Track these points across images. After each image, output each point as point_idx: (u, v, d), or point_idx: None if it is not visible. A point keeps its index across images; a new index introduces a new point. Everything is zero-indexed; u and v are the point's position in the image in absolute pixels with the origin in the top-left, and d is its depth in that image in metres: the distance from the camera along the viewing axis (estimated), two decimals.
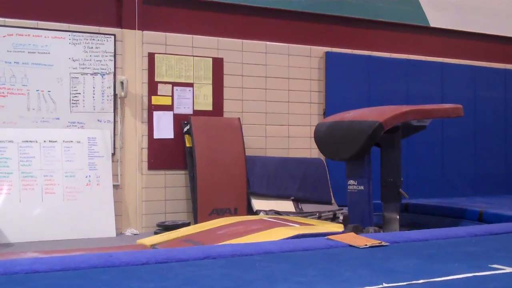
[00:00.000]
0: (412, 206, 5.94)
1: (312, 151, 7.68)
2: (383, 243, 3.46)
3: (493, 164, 9.01)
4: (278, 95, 7.69)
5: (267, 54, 7.66)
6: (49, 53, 6.59)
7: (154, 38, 7.04)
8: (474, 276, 2.67)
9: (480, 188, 8.64)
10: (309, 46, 7.90)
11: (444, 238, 3.86)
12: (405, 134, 5.46)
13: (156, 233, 6.20)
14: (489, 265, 2.89)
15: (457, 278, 2.62)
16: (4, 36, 6.41)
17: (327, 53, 7.90)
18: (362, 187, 4.94)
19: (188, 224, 6.46)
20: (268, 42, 7.66)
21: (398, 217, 5.09)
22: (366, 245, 3.41)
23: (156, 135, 6.97)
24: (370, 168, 4.99)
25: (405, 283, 2.50)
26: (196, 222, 6.56)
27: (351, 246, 3.43)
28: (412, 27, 8.60)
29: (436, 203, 5.97)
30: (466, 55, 9.07)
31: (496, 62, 9.38)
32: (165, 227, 6.42)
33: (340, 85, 7.91)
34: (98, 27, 6.82)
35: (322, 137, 5.37)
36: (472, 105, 8.75)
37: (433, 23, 8.71)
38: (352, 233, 3.88)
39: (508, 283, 2.57)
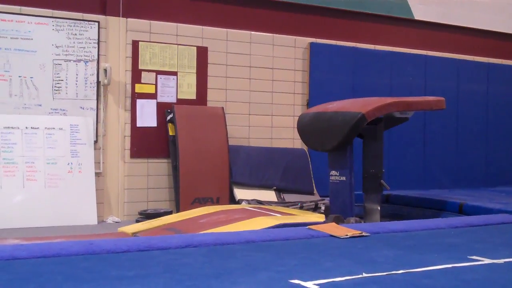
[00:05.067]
0: (393, 198, 5.99)
1: (295, 142, 7.70)
2: (364, 234, 3.49)
3: (474, 157, 9.09)
4: (262, 85, 7.69)
5: (252, 44, 7.65)
6: (32, 39, 6.52)
7: (138, 26, 6.99)
8: (453, 267, 2.70)
9: (461, 180, 8.71)
10: (294, 37, 7.89)
11: (424, 230, 3.90)
12: (387, 125, 5.49)
13: (137, 221, 6.19)
14: (468, 257, 2.92)
15: (436, 269, 2.65)
16: None
17: (311, 43, 7.91)
18: (344, 178, 4.97)
19: (170, 213, 6.46)
20: (252, 32, 7.65)
21: (379, 208, 5.13)
22: (347, 235, 3.43)
23: (139, 123, 6.95)
24: (352, 159, 5.01)
25: (385, 273, 2.52)
26: (178, 210, 6.57)
27: (332, 236, 3.46)
28: (396, 20, 8.62)
29: (417, 194, 6.02)
30: (449, 48, 9.12)
31: (479, 56, 9.44)
32: (147, 216, 6.41)
33: (324, 76, 7.93)
34: (82, 14, 6.76)
35: (305, 128, 5.39)
36: (455, 98, 8.81)
37: (417, 16, 8.74)
38: (333, 223, 3.90)
39: (486, 274, 2.61)
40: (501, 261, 2.85)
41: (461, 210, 5.25)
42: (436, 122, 8.56)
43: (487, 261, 2.85)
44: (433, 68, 8.78)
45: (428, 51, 8.86)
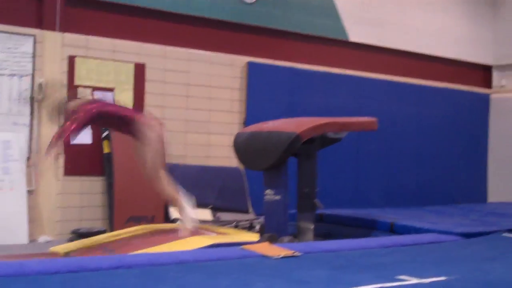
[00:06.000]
0: (327, 216, 6.07)
1: (231, 160, 7.71)
2: (296, 253, 3.54)
3: (405, 177, 9.33)
4: (199, 103, 7.71)
5: (190, 62, 7.67)
6: None
7: (75, 41, 6.91)
8: (380, 286, 2.77)
9: (393, 199, 8.92)
10: (232, 55, 7.96)
11: (356, 249, 3.98)
12: (322, 145, 5.58)
13: (70, 240, 6.08)
14: (395, 276, 3.00)
15: None
16: None
17: (249, 63, 7.99)
18: (278, 197, 5.02)
19: (103, 232, 6.36)
20: (191, 50, 7.67)
21: (312, 227, 5.19)
22: (279, 255, 3.47)
23: (73, 140, 6.83)
24: (287, 178, 5.08)
25: None
26: (112, 229, 6.48)
27: (265, 256, 3.49)
28: (332, 41, 8.81)
29: (350, 213, 6.12)
30: (384, 70, 9.38)
31: (412, 77, 9.75)
32: (80, 235, 6.30)
33: (261, 95, 8.01)
34: (17, 27, 6.63)
35: (241, 147, 5.43)
36: (388, 119, 9.02)
37: (352, 38, 8.96)
38: (267, 243, 3.94)
39: None
40: (427, 280, 2.94)
41: (392, 229, 5.37)
42: (370, 141, 8.75)
43: (414, 280, 2.93)
44: (367, 89, 9.00)
45: (362, 72, 9.08)
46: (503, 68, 10.70)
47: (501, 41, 10.69)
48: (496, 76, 10.79)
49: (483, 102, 10.60)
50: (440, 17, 10.09)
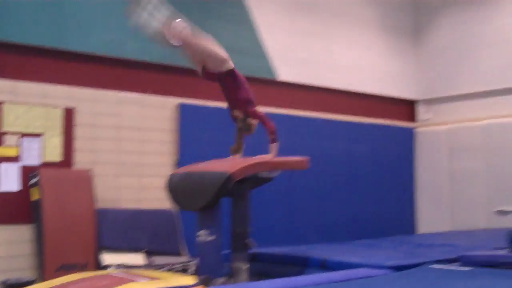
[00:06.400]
0: (260, 255, 6.11)
1: (164, 202, 7.68)
2: None
3: (338, 211, 9.48)
4: (131, 145, 7.66)
5: (121, 104, 7.64)
6: None
7: (3, 87, 6.78)
8: None
9: (327, 234, 9.04)
10: (163, 97, 7.98)
11: None
12: (254, 185, 5.66)
13: None
14: None
15: None
16: None
17: (180, 104, 8.02)
18: (212, 238, 5.05)
19: (33, 282, 6.17)
20: (122, 93, 7.65)
21: (247, 267, 5.23)
22: None
23: (0, 188, 6.67)
24: (220, 218, 5.11)
25: None
26: (42, 279, 6.30)
27: None
28: (261, 81, 8.96)
29: (283, 251, 6.19)
30: (313, 107, 9.59)
31: (341, 114, 10.00)
32: (8, 285, 6.10)
33: (194, 136, 8.04)
34: None
35: (174, 188, 5.45)
36: (320, 155, 9.19)
37: (281, 77, 9.14)
38: (202, 286, 3.94)
39: None
40: None
41: (324, 265, 5.46)
42: (303, 178, 8.86)
43: None
44: (298, 127, 9.15)
45: (293, 111, 9.25)
46: (427, 102, 11.12)
47: (424, 77, 11.13)
48: (420, 110, 11.20)
49: (409, 136, 10.96)
50: (366, 55, 10.44)
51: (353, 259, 5.52)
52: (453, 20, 10.74)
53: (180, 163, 7.69)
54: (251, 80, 8.79)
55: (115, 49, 7.57)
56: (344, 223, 9.56)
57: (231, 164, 5.31)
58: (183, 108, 8.03)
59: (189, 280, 4.89)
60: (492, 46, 10.18)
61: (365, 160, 10.12)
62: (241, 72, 8.59)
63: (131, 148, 7.66)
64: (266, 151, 5.74)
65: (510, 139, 9.75)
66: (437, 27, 11.00)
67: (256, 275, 5.56)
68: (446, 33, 10.86)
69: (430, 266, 5.24)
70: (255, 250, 5.86)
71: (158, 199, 7.66)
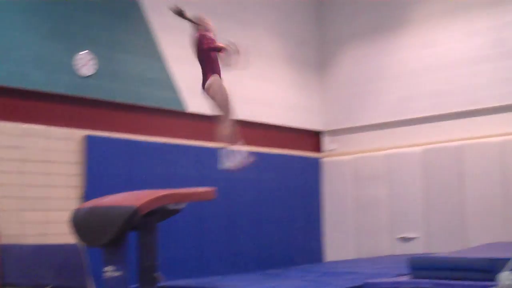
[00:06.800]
0: None
1: (71, 237, 7.50)
2: None
3: (247, 241, 9.56)
4: (35, 179, 7.45)
5: (24, 137, 7.44)
6: None
7: None
8: None
9: (237, 264, 9.09)
10: (69, 129, 7.83)
11: None
12: (161, 217, 5.65)
13: None
14: None
15: None
16: None
17: (87, 136, 7.90)
18: (118, 273, 4.99)
19: None
20: (25, 125, 7.46)
21: None
22: None
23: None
24: (126, 253, 5.06)
25: None
26: None
27: None
28: (170, 112, 8.98)
29: (192, 283, 6.19)
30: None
31: (250, 145, 10.06)
32: None
33: (101, 169, 7.92)
34: None
35: (79, 223, 5.36)
36: (229, 186, 9.27)
37: (190, 109, 9.19)
38: None
39: None
40: None
41: None
42: (212, 208, 8.87)
43: None
44: (206, 158, 9.19)
45: (201, 142, 9.29)
46: (332, 133, 11.48)
47: (329, 108, 11.50)
48: (326, 140, 11.54)
49: (315, 166, 11.24)
50: (273, 88, 10.68)
51: None
52: (356, 53, 11.19)
53: (87, 196, 7.54)
54: (160, 111, 8.85)
55: (20, 80, 7.40)
56: (254, 253, 9.64)
57: (137, 197, 5.28)
58: (89, 140, 7.90)
59: None
60: (393, 78, 10.68)
61: (273, 190, 10.28)
62: (149, 104, 8.65)
63: (36, 181, 7.46)
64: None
65: (410, 167, 10.19)
66: (341, 61, 11.42)
67: None
68: (349, 66, 11.29)
69: None
70: (165, 283, 5.83)
71: (65, 233, 7.43)
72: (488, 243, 7.96)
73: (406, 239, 10.04)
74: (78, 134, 7.90)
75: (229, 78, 9.87)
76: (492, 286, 4.70)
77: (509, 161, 9.17)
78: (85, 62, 7.94)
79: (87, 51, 7.97)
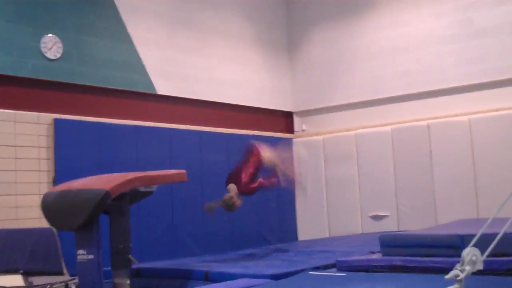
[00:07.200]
0: (143, 271, 6.09)
1: (42, 221, 7.43)
2: None
3: (220, 221, 9.56)
4: (4, 163, 7.35)
5: None
6: None
7: None
8: None
9: (210, 246, 9.12)
10: (37, 113, 7.73)
11: None
12: (133, 200, 5.64)
13: None
14: None
15: None
16: None
17: (56, 119, 7.81)
18: (91, 256, 4.97)
19: None
20: None
21: (128, 282, 5.19)
22: None
23: None
24: (99, 236, 5.05)
25: None
26: None
27: None
28: (140, 94, 8.93)
29: (166, 265, 6.20)
30: (192, 121, 9.66)
31: (221, 127, 10.14)
32: None
33: (71, 152, 7.84)
34: None
35: (49, 207, 5.32)
36: (199, 168, 9.28)
37: (160, 91, 9.15)
38: None
39: None
40: None
41: (207, 277, 5.53)
42: (183, 190, 8.87)
43: None
44: (178, 140, 9.19)
45: (173, 124, 9.27)
46: (302, 113, 11.55)
47: (299, 90, 11.55)
48: (296, 121, 11.59)
49: (287, 146, 11.26)
50: (243, 69, 10.67)
51: (235, 269, 5.62)
52: (325, 34, 11.22)
53: (57, 180, 7.48)
54: (130, 94, 8.79)
55: None
56: (228, 233, 9.67)
57: (108, 180, 5.25)
58: (58, 124, 7.80)
59: None
60: (362, 59, 10.75)
61: None
62: (118, 87, 8.58)
63: (5, 166, 7.36)
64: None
65: (380, 147, 10.30)
66: (310, 42, 11.45)
67: None
68: (319, 47, 11.33)
69: (308, 273, 5.44)
70: (138, 265, 5.84)
71: (36, 218, 7.42)
72: (458, 220, 8.10)
73: (377, 217, 10.16)
74: (47, 118, 7.80)
75: (199, 60, 9.92)
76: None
77: (477, 139, 9.31)
78: (51, 45, 7.83)
79: (53, 34, 7.86)
